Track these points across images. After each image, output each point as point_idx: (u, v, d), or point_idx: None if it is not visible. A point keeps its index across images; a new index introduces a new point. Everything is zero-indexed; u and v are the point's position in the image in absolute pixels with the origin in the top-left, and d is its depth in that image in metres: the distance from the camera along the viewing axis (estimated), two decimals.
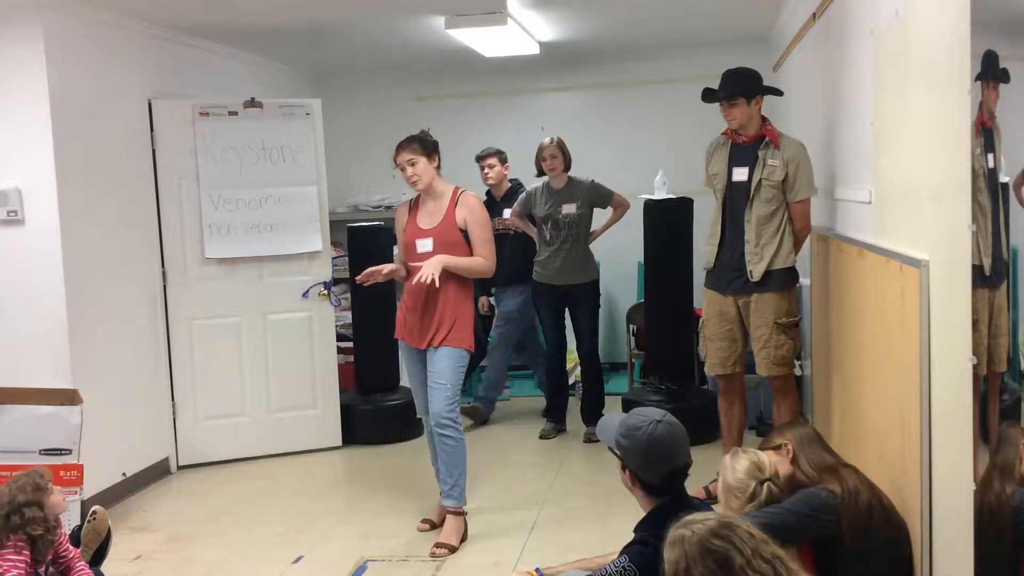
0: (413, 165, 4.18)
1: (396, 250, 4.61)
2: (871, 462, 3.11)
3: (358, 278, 4.37)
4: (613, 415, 2.90)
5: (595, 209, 5.77)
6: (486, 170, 6.08)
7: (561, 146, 5.64)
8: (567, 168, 5.68)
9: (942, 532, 2.51)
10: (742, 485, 2.82)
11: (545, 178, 5.74)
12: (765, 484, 2.80)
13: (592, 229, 5.78)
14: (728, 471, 2.88)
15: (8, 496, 2.99)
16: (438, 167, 4.28)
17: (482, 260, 4.22)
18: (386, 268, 4.29)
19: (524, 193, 5.87)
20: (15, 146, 4.52)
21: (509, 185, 6.14)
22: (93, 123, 4.82)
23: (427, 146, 4.23)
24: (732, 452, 2.97)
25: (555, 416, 5.97)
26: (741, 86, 4.30)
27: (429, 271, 4.03)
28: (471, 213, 4.23)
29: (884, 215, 3.18)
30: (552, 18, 5.71)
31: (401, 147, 4.23)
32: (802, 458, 2.96)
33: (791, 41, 5.54)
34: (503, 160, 6.09)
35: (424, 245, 4.20)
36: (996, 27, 2.65)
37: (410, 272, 4.29)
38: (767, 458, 2.89)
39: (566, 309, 5.85)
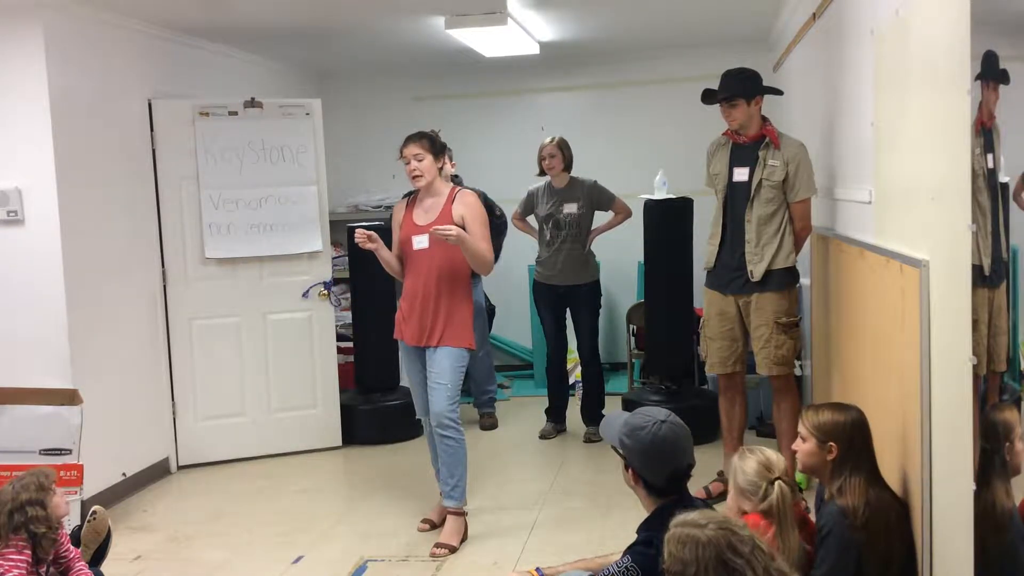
0: (419, 160, 4.17)
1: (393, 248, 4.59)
2: None
3: (357, 236, 4.20)
4: (617, 414, 2.89)
5: (596, 211, 5.77)
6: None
7: (561, 145, 5.63)
8: (567, 168, 5.67)
9: (942, 532, 2.51)
10: (752, 487, 2.73)
11: (547, 178, 5.75)
12: (776, 483, 2.71)
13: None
14: (738, 473, 2.78)
15: (11, 494, 3.00)
16: (441, 168, 4.27)
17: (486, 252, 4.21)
18: (372, 243, 4.17)
19: (526, 193, 5.87)
20: (15, 146, 4.52)
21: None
22: (93, 123, 4.82)
23: (436, 146, 4.22)
24: (740, 452, 2.86)
25: (555, 416, 5.96)
26: (740, 87, 4.30)
27: (451, 231, 3.97)
28: (468, 210, 4.21)
29: (884, 215, 3.18)
30: (552, 18, 5.71)
31: (411, 139, 4.21)
32: (842, 473, 2.72)
33: (791, 41, 5.54)
34: (450, 157, 5.68)
35: (420, 242, 4.19)
36: (996, 27, 2.65)
37: (406, 270, 4.29)
38: (775, 456, 2.81)
39: (567, 309, 5.85)
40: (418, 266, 4.22)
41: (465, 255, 4.14)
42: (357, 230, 4.21)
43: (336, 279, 5.98)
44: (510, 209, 6.01)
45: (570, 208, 5.65)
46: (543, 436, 5.87)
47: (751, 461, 2.77)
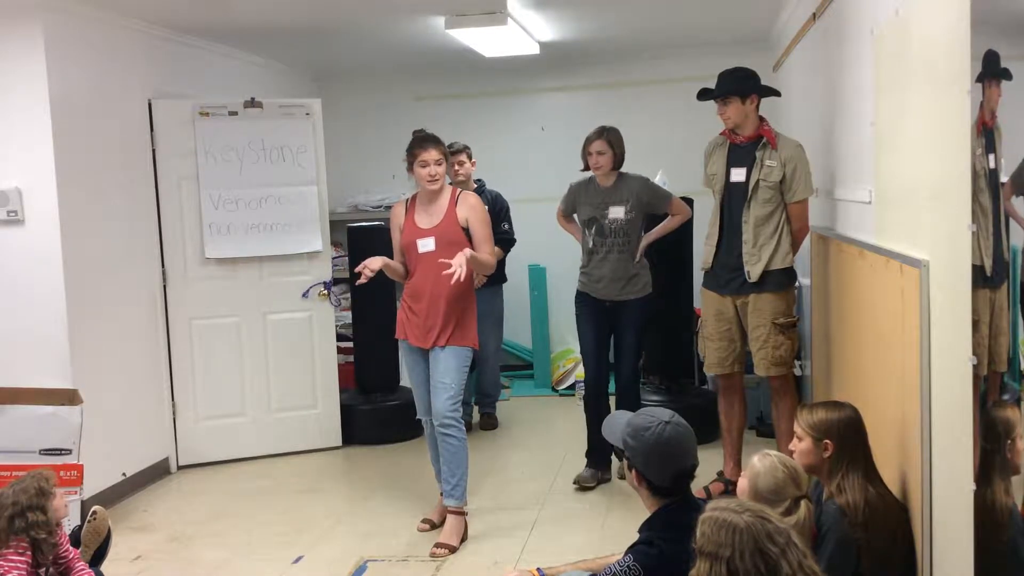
0: (439, 165, 4.18)
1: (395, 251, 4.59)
2: None
3: (358, 282, 4.24)
4: (620, 414, 2.89)
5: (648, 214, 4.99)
6: (456, 167, 5.48)
7: (611, 141, 4.81)
8: (618, 165, 4.87)
9: (942, 532, 2.51)
10: (776, 496, 2.62)
11: (589, 172, 4.96)
12: (803, 502, 2.62)
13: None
14: (761, 476, 2.67)
15: (12, 498, 2.99)
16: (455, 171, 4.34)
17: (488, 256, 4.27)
18: (374, 263, 4.17)
19: (568, 188, 5.07)
20: (15, 146, 4.52)
21: (475, 185, 5.74)
22: (93, 123, 4.81)
23: (447, 153, 4.30)
24: (761, 455, 2.74)
25: (598, 459, 4.93)
26: (735, 85, 4.30)
27: (459, 265, 3.98)
28: (472, 211, 4.24)
29: (884, 215, 3.18)
30: (552, 18, 5.71)
31: (430, 143, 4.19)
32: (839, 470, 2.72)
33: (791, 41, 5.54)
34: (470, 156, 5.67)
35: (426, 245, 4.20)
36: (996, 27, 2.65)
37: (410, 273, 4.30)
38: (802, 468, 2.72)
39: (611, 326, 4.94)
40: (425, 269, 4.22)
41: (473, 267, 4.15)
42: (361, 272, 4.16)
43: (336, 279, 5.98)
44: (512, 208, 5.97)
45: (616, 212, 4.79)
46: (580, 484, 4.87)
47: (780, 470, 2.66)
